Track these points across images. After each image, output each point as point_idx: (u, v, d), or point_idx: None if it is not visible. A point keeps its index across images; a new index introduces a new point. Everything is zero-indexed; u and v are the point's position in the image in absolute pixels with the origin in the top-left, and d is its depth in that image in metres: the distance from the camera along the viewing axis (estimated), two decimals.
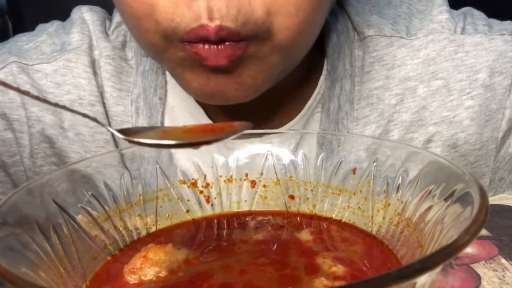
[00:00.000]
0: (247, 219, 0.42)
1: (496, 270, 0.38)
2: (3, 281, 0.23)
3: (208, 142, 0.32)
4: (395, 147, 0.38)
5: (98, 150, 0.59)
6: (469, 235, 0.23)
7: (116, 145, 0.60)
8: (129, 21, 0.48)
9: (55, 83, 0.60)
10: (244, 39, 0.44)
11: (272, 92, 0.53)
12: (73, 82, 0.59)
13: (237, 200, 0.43)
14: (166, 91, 0.60)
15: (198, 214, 0.42)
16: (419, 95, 0.58)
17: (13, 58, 0.60)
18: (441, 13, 0.60)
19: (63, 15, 0.66)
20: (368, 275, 0.32)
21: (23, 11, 1.41)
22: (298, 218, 0.41)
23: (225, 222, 0.42)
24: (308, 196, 0.42)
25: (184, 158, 0.51)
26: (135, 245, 0.38)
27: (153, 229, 0.40)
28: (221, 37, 0.43)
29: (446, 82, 0.58)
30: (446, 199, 0.30)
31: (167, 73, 0.60)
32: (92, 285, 0.33)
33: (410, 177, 0.35)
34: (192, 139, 0.32)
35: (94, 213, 0.36)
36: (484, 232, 0.43)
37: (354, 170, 0.40)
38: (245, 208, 0.43)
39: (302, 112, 0.59)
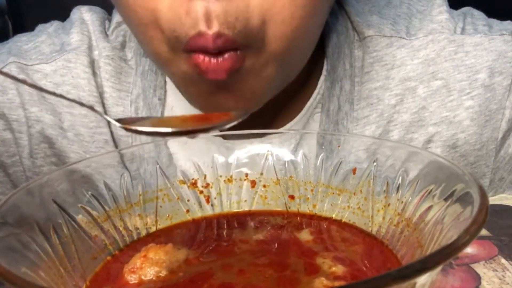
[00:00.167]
0: (247, 219, 0.42)
1: (496, 270, 0.38)
2: (3, 281, 0.23)
3: (204, 130, 0.32)
4: (395, 147, 0.38)
5: (97, 151, 0.59)
6: (469, 235, 0.23)
7: (116, 146, 0.60)
8: (135, 28, 0.48)
9: (54, 83, 0.60)
10: (240, 48, 0.44)
11: None
12: (73, 83, 0.59)
13: (237, 200, 0.43)
14: (165, 91, 0.60)
15: (198, 214, 0.42)
16: (419, 96, 0.58)
17: (12, 58, 0.60)
18: (441, 13, 0.60)
19: (63, 15, 0.66)
20: (368, 275, 0.32)
21: (23, 11, 1.41)
22: (298, 218, 0.41)
23: (225, 222, 0.42)
24: (308, 196, 0.42)
25: (184, 158, 0.51)
26: (135, 245, 0.38)
27: (153, 229, 0.40)
28: (218, 46, 0.43)
29: (446, 82, 0.58)
30: (446, 199, 0.30)
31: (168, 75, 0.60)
32: (92, 285, 0.33)
33: (410, 177, 0.35)
34: (189, 127, 0.32)
35: (94, 213, 0.36)
36: (484, 232, 0.43)
37: (354, 170, 0.40)
38: (245, 208, 0.43)
39: (302, 113, 0.59)
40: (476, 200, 0.26)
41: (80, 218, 0.35)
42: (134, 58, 0.61)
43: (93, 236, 0.36)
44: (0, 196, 0.61)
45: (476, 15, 0.62)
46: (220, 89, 0.47)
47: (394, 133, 0.58)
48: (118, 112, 0.59)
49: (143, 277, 0.32)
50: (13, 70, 0.59)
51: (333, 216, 0.40)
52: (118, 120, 0.32)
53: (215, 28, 0.42)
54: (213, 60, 0.44)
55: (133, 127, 0.31)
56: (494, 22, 0.61)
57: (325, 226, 0.40)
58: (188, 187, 0.42)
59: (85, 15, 0.63)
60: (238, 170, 0.43)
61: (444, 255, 0.22)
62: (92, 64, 0.60)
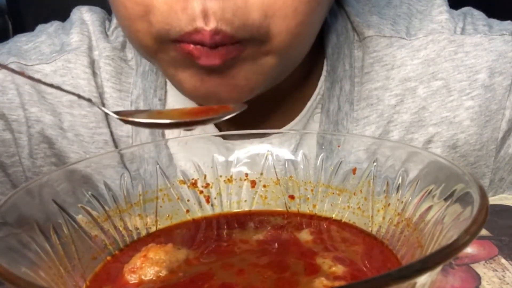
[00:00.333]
0: (247, 219, 0.42)
1: (496, 270, 0.38)
2: (3, 281, 0.23)
3: (202, 122, 0.32)
4: (395, 147, 0.38)
5: (97, 151, 0.60)
6: (469, 235, 0.23)
7: (116, 146, 0.60)
8: (121, 22, 0.48)
9: (54, 83, 0.60)
10: (240, 42, 0.44)
11: (272, 93, 0.53)
12: (72, 83, 0.59)
13: (237, 200, 0.43)
14: (166, 92, 0.60)
15: (198, 214, 0.42)
16: (419, 96, 0.58)
17: (12, 58, 0.60)
18: (441, 13, 0.60)
19: (63, 15, 0.66)
20: (368, 275, 0.32)
21: (23, 11, 1.41)
22: (298, 218, 0.41)
23: (225, 222, 0.42)
24: (308, 196, 0.42)
25: (184, 158, 0.51)
26: (135, 245, 0.38)
27: (153, 229, 0.40)
28: (216, 41, 0.43)
29: (446, 82, 0.58)
30: (446, 199, 0.30)
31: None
32: (92, 285, 0.33)
33: (410, 177, 0.35)
34: (186, 119, 0.32)
35: (94, 213, 0.36)
36: (484, 232, 0.43)
37: (354, 170, 0.40)
38: (245, 208, 0.43)
39: (302, 113, 0.59)
40: (476, 200, 0.26)
41: (80, 218, 0.35)
42: (135, 58, 0.61)
43: (93, 236, 0.36)
44: (0, 196, 0.61)
45: (476, 15, 0.62)
46: (212, 74, 0.46)
47: (394, 134, 0.58)
48: None
49: (143, 277, 0.32)
50: None
51: (333, 216, 0.40)
52: (116, 113, 0.32)
53: (212, 24, 0.42)
54: (207, 48, 0.43)
55: (131, 119, 0.31)
56: (494, 22, 0.61)
57: (325, 226, 0.40)
58: (188, 187, 0.42)
59: (85, 15, 0.63)
60: (238, 170, 0.43)
61: (444, 255, 0.22)
62: (92, 64, 0.60)
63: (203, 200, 0.42)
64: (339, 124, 0.57)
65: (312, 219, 0.41)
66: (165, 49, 0.46)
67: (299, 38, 0.47)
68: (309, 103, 0.59)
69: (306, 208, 0.42)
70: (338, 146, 0.41)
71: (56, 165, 0.60)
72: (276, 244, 0.37)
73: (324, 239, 0.38)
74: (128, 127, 0.60)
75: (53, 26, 0.65)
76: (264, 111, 0.59)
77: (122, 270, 0.33)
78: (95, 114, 0.59)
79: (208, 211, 0.42)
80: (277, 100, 0.59)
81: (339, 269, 0.32)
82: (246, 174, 0.43)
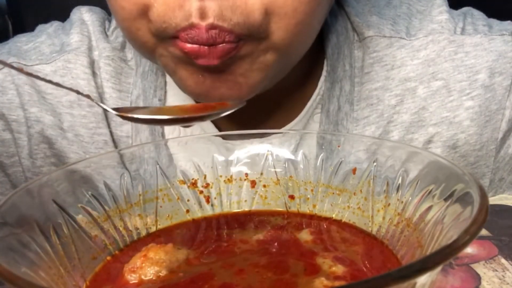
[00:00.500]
0: (247, 219, 0.42)
1: (496, 270, 0.38)
2: (3, 281, 0.23)
3: (200, 118, 0.32)
4: (395, 147, 0.38)
5: (97, 151, 0.60)
6: (469, 235, 0.23)
7: (116, 146, 0.60)
8: (121, 23, 0.48)
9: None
10: (239, 39, 0.44)
11: (272, 93, 0.53)
12: (72, 83, 0.59)
13: (237, 200, 0.43)
14: (165, 92, 0.60)
15: (198, 214, 0.42)
16: (419, 96, 0.58)
17: (12, 58, 0.60)
18: (441, 13, 0.60)
19: (63, 15, 0.66)
20: (368, 275, 0.32)
21: (23, 11, 1.41)
22: (298, 218, 0.41)
23: (225, 222, 0.42)
24: (308, 196, 0.42)
25: (184, 159, 0.51)
26: (135, 245, 0.38)
27: (153, 229, 0.40)
28: (212, 36, 0.43)
29: (446, 82, 0.58)
30: (446, 199, 0.30)
31: (167, 74, 0.60)
32: (92, 285, 0.33)
33: (410, 177, 0.35)
34: (185, 115, 0.32)
35: (94, 213, 0.36)
36: (484, 232, 0.43)
37: (354, 170, 0.40)
38: (245, 208, 0.43)
39: (302, 113, 0.59)
40: (476, 200, 0.26)
41: (80, 218, 0.35)
42: (134, 58, 0.61)
43: (93, 236, 0.36)
44: (0, 196, 0.61)
45: (476, 15, 0.62)
46: (212, 73, 0.46)
47: (394, 134, 0.58)
48: None
49: (143, 277, 0.32)
50: (12, 70, 0.59)
51: (333, 216, 0.40)
52: (116, 109, 0.32)
53: (209, 20, 0.42)
54: (204, 47, 0.43)
55: (130, 115, 0.31)
56: (494, 22, 0.61)
57: (325, 226, 0.40)
58: (188, 187, 0.42)
59: (85, 15, 0.63)
60: (238, 170, 0.43)
61: (444, 255, 0.22)
62: (92, 64, 0.60)
63: (203, 200, 0.42)
64: (339, 124, 0.57)
65: (312, 219, 0.41)
66: (165, 46, 0.46)
67: (298, 37, 0.47)
68: (309, 103, 0.59)
69: (306, 208, 0.42)
70: (338, 146, 0.41)
71: (56, 166, 0.60)
72: (276, 244, 0.37)
73: (324, 239, 0.38)
74: (128, 127, 0.60)
75: (53, 26, 0.65)
76: (264, 111, 0.59)
77: (122, 270, 0.33)
78: (95, 115, 0.59)
79: (208, 211, 0.42)
80: (277, 100, 0.59)
81: (339, 269, 0.32)
82: (246, 174, 0.43)
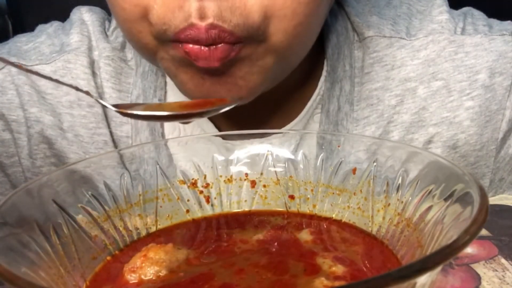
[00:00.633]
0: (247, 219, 0.42)
1: (496, 270, 0.38)
2: (3, 281, 0.23)
3: (199, 115, 0.32)
4: (395, 148, 0.38)
5: (97, 151, 0.60)
6: (469, 235, 0.23)
7: (115, 146, 0.60)
8: (122, 24, 0.48)
9: (54, 84, 0.60)
10: (239, 41, 0.44)
11: (272, 93, 0.53)
12: (72, 83, 0.59)
13: (237, 200, 0.43)
14: (165, 92, 0.60)
15: (198, 214, 0.42)
16: (419, 96, 0.58)
17: (12, 58, 0.60)
18: (441, 14, 0.60)
19: (63, 15, 0.66)
20: (368, 275, 0.32)
21: (23, 11, 1.41)
22: (298, 218, 0.41)
23: (225, 222, 0.42)
24: (308, 196, 0.42)
25: (184, 159, 0.51)
26: (135, 245, 0.38)
27: (153, 229, 0.40)
28: (212, 36, 0.43)
29: (446, 82, 0.58)
30: (446, 199, 0.30)
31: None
32: (92, 285, 0.33)
33: (410, 177, 0.35)
34: (184, 112, 0.32)
35: (94, 213, 0.36)
36: (484, 232, 0.43)
37: (354, 170, 0.40)
38: (245, 208, 0.43)
39: (302, 113, 0.59)
40: (476, 200, 0.26)
41: (80, 218, 0.35)
42: (134, 58, 0.61)
43: (93, 236, 0.36)
44: (0, 196, 0.61)
45: (476, 15, 0.62)
46: (212, 76, 0.46)
47: (394, 134, 0.58)
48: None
49: (143, 277, 0.32)
50: (12, 70, 0.59)
51: (333, 216, 0.40)
52: (115, 106, 0.32)
53: (208, 20, 0.42)
54: (205, 48, 0.43)
55: (129, 111, 0.31)
56: (494, 22, 0.61)
57: (325, 226, 0.40)
58: (188, 187, 0.42)
59: (85, 15, 0.63)
60: (238, 170, 0.43)
61: (444, 255, 0.22)
62: (92, 64, 0.60)
63: (203, 200, 0.42)
64: (339, 124, 0.57)
65: (312, 219, 0.41)
66: (166, 49, 0.46)
67: (298, 39, 0.47)
68: (309, 103, 0.59)
69: (306, 208, 0.42)
70: (338, 146, 0.41)
71: (56, 166, 0.60)
72: (276, 244, 0.37)
73: (324, 239, 0.38)
74: (128, 127, 0.60)
75: (53, 26, 0.65)
76: (264, 111, 0.59)
77: (122, 270, 0.33)
78: (95, 115, 0.59)
79: (208, 211, 0.42)
80: (277, 100, 0.59)
81: (339, 269, 0.32)
82: (246, 174, 0.43)
